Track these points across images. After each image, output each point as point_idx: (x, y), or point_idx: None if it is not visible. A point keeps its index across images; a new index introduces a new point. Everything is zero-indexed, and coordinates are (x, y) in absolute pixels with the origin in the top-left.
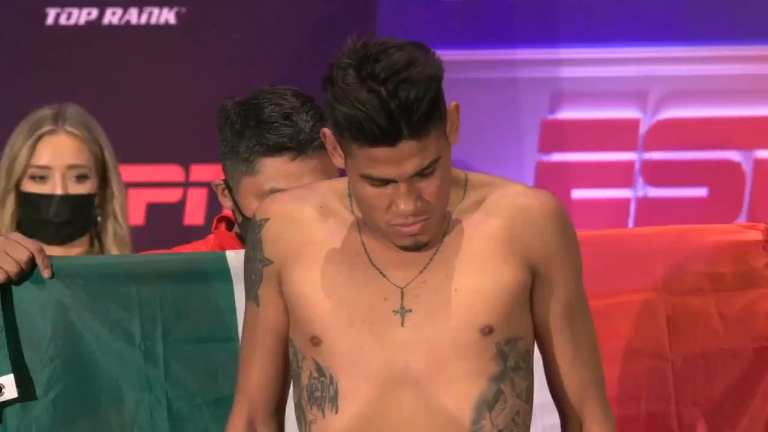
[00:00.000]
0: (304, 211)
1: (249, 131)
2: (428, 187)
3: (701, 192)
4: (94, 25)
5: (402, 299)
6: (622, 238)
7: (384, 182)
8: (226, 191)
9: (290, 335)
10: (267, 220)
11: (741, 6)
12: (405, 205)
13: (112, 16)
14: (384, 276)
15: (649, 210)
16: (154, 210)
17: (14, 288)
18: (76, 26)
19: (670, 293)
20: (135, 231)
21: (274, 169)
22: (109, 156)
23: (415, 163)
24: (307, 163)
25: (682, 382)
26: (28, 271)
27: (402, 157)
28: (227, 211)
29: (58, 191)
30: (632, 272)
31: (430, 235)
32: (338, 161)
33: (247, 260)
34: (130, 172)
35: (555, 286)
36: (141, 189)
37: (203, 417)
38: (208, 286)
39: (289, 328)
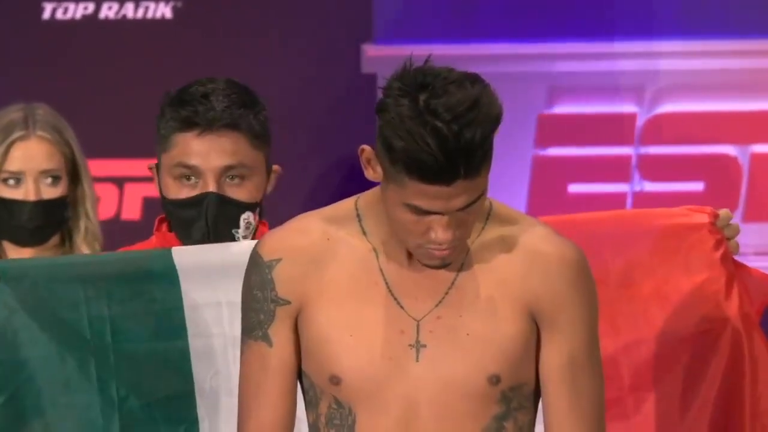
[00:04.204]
0: (314, 246)
1: (168, 109)
2: (466, 217)
3: (698, 186)
4: (91, 20)
5: (417, 333)
6: (568, 223)
7: (427, 212)
8: (156, 176)
9: (304, 369)
10: (279, 260)
11: (737, 0)
12: (444, 235)
13: (109, 11)
14: (402, 307)
15: (646, 204)
16: (150, 204)
17: None
18: (72, 20)
19: (618, 278)
20: (131, 225)
21: (182, 144)
22: (78, 154)
23: (464, 199)
24: (215, 142)
25: (633, 368)
26: None
27: (453, 195)
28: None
29: (31, 197)
30: None
31: (455, 257)
32: (372, 175)
33: (253, 300)
34: (126, 167)
35: (559, 338)
36: (137, 183)
37: (154, 415)
38: (154, 285)
39: (302, 361)
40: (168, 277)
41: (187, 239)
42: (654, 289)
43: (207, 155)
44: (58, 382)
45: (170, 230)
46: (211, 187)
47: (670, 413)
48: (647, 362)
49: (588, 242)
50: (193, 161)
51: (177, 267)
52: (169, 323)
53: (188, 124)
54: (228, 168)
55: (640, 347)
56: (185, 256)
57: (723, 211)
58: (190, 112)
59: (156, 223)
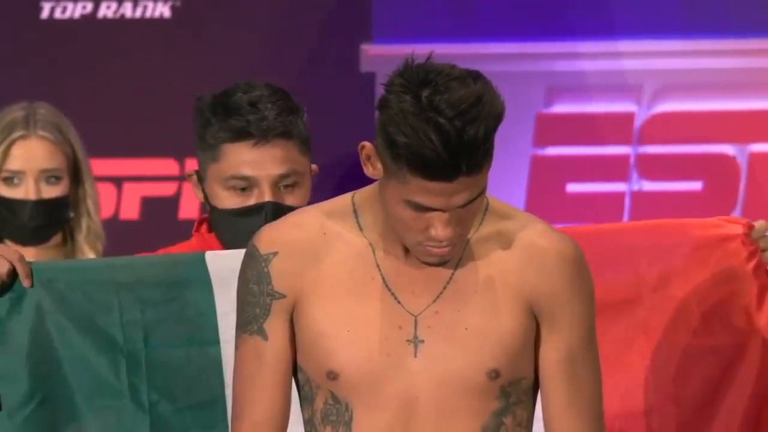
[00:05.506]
0: (311, 240)
1: (215, 118)
2: (466, 214)
3: (696, 186)
4: (89, 19)
5: (415, 328)
6: (603, 234)
7: (428, 209)
8: (198, 182)
9: (300, 363)
10: (275, 254)
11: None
12: (444, 232)
13: (107, 10)
14: (399, 302)
15: (644, 204)
16: (148, 204)
17: None
18: (71, 20)
19: (651, 289)
20: (129, 225)
21: (235, 155)
22: (80, 154)
23: (465, 196)
24: (268, 151)
25: (661, 379)
26: (9, 283)
27: (455, 191)
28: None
29: (31, 196)
30: (613, 268)
31: (453, 254)
32: (371, 172)
33: (249, 293)
34: (124, 166)
35: (557, 332)
36: (135, 183)
37: (185, 421)
38: (187, 290)
39: (298, 355)
40: (201, 281)
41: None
42: (686, 300)
43: (262, 165)
44: (89, 386)
45: (210, 231)
46: (268, 197)
47: (697, 424)
48: (676, 373)
49: (623, 252)
50: (248, 172)
51: (210, 272)
52: (202, 328)
53: (241, 135)
54: (283, 176)
55: (671, 357)
56: (218, 261)
57: (759, 223)
58: (242, 122)
59: (195, 224)
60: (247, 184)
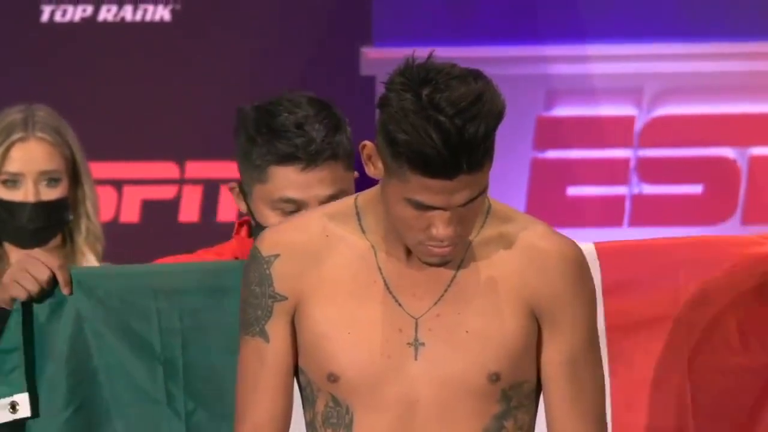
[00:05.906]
0: (313, 243)
1: (261, 138)
2: (467, 213)
3: (696, 189)
4: (90, 22)
5: (416, 331)
6: (644, 249)
7: (429, 207)
8: (241, 195)
9: (301, 366)
10: (277, 256)
11: (736, 3)
12: (445, 231)
13: (107, 13)
14: (400, 305)
15: (644, 207)
16: (148, 207)
17: (34, 303)
18: (71, 23)
19: (689, 306)
20: (130, 228)
21: (283, 178)
22: (79, 156)
23: (466, 195)
24: (316, 174)
25: (699, 396)
26: (49, 290)
27: (455, 189)
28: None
29: (30, 199)
30: (652, 285)
31: (455, 255)
32: (372, 172)
33: (251, 295)
34: (125, 169)
35: (559, 334)
36: (136, 186)
37: (221, 430)
38: (226, 298)
39: (299, 358)
40: (239, 290)
41: None
42: (725, 317)
43: (310, 188)
44: (126, 394)
45: (249, 236)
46: None
47: None
48: (714, 391)
49: (662, 269)
50: (297, 195)
51: None
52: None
53: (288, 159)
54: (331, 197)
55: (709, 375)
56: None
57: None
58: (290, 147)
59: (236, 226)
60: (295, 207)
